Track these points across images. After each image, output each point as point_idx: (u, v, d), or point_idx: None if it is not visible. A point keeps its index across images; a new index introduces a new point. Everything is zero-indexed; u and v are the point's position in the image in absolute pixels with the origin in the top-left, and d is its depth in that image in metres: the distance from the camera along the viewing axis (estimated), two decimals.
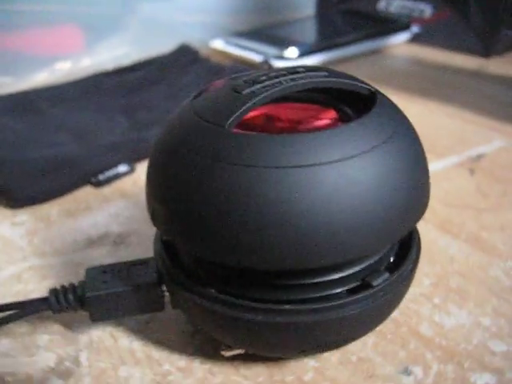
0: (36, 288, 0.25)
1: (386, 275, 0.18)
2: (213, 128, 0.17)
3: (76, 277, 0.25)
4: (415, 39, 0.58)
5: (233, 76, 0.21)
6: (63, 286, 0.21)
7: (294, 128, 0.19)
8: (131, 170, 0.34)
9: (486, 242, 0.27)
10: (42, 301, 0.21)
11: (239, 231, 0.16)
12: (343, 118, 0.19)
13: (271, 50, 0.51)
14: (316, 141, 0.16)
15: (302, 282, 0.18)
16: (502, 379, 0.20)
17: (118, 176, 0.33)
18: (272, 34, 0.55)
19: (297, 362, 0.21)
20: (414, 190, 0.18)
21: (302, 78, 0.19)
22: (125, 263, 0.21)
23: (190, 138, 0.17)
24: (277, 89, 0.18)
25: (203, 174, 0.16)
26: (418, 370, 0.20)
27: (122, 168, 0.33)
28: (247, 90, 0.18)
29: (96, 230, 0.29)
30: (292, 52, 0.50)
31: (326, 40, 0.53)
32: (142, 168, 0.34)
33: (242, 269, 0.17)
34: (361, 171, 0.16)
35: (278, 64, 0.48)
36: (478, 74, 0.50)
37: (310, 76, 0.19)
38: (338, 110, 0.20)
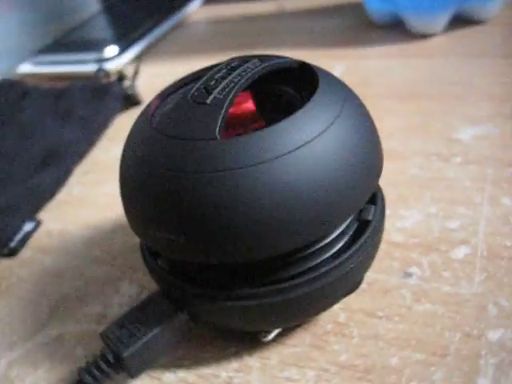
0: None
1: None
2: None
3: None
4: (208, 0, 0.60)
5: (168, 89, 0.21)
6: (90, 362, 0.20)
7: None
8: (39, 223, 0.31)
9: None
10: None
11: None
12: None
13: (89, 56, 0.49)
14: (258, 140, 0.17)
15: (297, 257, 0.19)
16: (473, 245, 0.23)
17: (28, 235, 0.30)
18: (76, 40, 0.53)
19: (325, 314, 0.22)
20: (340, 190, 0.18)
21: (245, 71, 0.19)
22: (135, 309, 0.21)
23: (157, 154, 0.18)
24: (235, 89, 0.18)
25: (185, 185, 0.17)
26: (414, 270, 0.23)
27: (29, 226, 0.30)
28: (210, 98, 0.18)
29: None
30: (111, 51, 0.48)
31: (133, 31, 0.52)
32: (47, 215, 0.32)
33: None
34: (310, 159, 0.17)
35: (111, 67, 0.46)
36: (278, 16, 0.54)
37: (249, 66, 0.20)
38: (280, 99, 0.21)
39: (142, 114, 0.20)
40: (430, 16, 0.38)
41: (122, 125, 0.39)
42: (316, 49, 0.45)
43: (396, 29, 0.43)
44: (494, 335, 0.20)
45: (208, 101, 0.18)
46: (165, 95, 0.21)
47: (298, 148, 0.17)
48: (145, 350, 0.19)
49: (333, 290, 0.19)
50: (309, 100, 0.18)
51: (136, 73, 0.41)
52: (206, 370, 0.21)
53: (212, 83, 0.19)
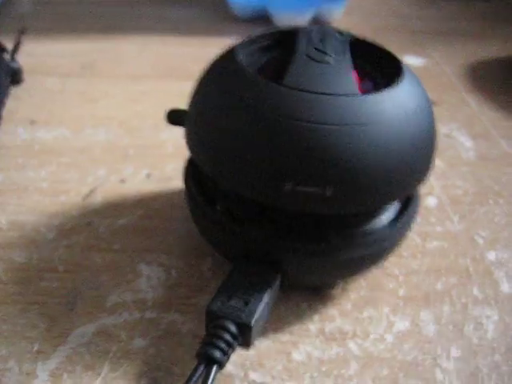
0: None
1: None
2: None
3: None
4: None
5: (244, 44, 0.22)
6: (211, 338, 0.18)
7: None
8: None
9: None
10: (208, 366, 0.18)
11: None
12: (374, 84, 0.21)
13: None
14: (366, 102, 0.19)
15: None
16: (437, 196, 0.29)
17: None
18: None
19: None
20: (429, 156, 0.20)
21: (337, 38, 0.22)
22: (230, 279, 0.20)
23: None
24: (346, 51, 0.21)
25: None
26: None
27: None
28: (331, 59, 0.20)
29: None
30: None
31: None
32: None
33: None
34: (388, 134, 0.18)
35: None
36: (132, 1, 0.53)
37: (336, 35, 0.22)
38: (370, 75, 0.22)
39: (237, 67, 0.20)
40: (296, 12, 0.43)
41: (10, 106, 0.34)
42: (168, 35, 0.46)
43: (257, 23, 0.47)
44: (491, 255, 0.26)
45: (331, 61, 0.20)
46: (241, 47, 0.21)
47: (405, 114, 0.19)
48: (261, 317, 0.19)
49: (395, 244, 0.22)
50: (399, 80, 0.20)
51: (17, 46, 0.35)
52: (294, 327, 0.22)
53: (319, 46, 0.21)
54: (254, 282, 0.20)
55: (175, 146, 0.31)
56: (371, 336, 0.22)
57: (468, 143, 0.35)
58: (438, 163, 0.32)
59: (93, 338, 0.21)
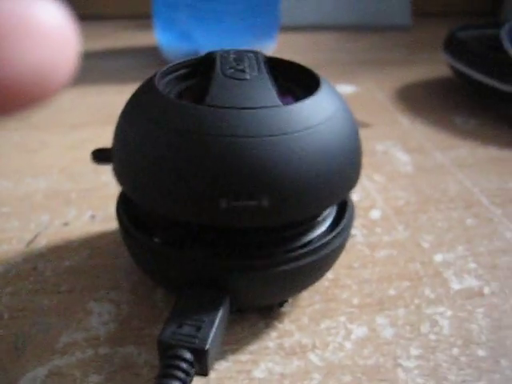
0: None
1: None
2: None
3: None
4: None
5: (163, 72, 0.22)
6: (167, 368, 0.17)
7: None
8: None
9: None
10: None
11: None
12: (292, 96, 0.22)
13: None
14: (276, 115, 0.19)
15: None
16: (380, 208, 0.30)
17: None
18: None
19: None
20: (356, 158, 0.21)
21: (252, 58, 0.22)
22: (178, 307, 0.19)
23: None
24: (262, 68, 0.21)
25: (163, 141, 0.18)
26: (354, 231, 0.28)
27: None
28: (248, 76, 0.20)
29: None
30: None
31: None
32: None
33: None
34: (316, 139, 0.19)
35: None
36: None
37: (251, 55, 0.22)
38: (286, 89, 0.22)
39: (157, 94, 0.20)
40: None
41: None
42: (106, 84, 0.46)
43: None
44: (438, 257, 0.27)
45: (249, 77, 0.20)
46: (160, 77, 0.22)
47: (329, 118, 0.20)
48: (215, 340, 0.19)
49: (337, 254, 0.22)
50: (318, 89, 0.20)
51: None
52: (252, 346, 0.22)
53: (234, 65, 0.21)
54: (202, 307, 0.19)
55: (117, 187, 0.31)
56: (330, 345, 0.22)
57: (404, 157, 0.36)
58: (378, 178, 0.33)
59: (45, 381, 0.20)
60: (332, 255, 0.21)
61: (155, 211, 0.20)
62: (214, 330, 0.18)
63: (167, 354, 0.18)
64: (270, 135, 0.18)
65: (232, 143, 0.18)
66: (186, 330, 0.18)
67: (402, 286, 0.25)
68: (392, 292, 0.24)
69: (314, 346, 0.22)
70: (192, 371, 0.18)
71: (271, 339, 0.22)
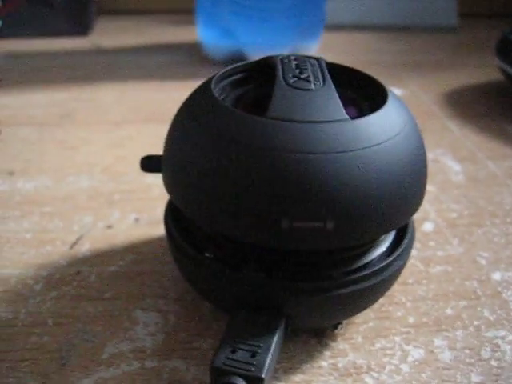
0: None
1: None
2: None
3: None
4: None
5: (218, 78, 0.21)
6: None
7: None
8: None
9: None
10: None
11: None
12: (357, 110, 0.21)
13: None
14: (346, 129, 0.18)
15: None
16: (432, 220, 0.29)
17: None
18: None
19: None
20: (423, 177, 0.20)
21: (315, 65, 0.21)
22: (231, 329, 0.18)
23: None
24: (326, 77, 0.20)
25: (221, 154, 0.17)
26: None
27: None
28: (312, 86, 0.19)
29: None
30: None
31: None
32: None
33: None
34: (385, 157, 0.17)
35: None
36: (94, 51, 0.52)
37: (313, 62, 0.21)
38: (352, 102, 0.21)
39: (215, 102, 0.19)
40: (271, 51, 0.43)
41: None
42: (147, 81, 0.45)
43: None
44: (496, 276, 0.26)
45: (313, 88, 0.19)
46: (217, 82, 0.21)
47: (397, 134, 0.18)
48: (271, 366, 0.18)
49: (396, 277, 0.21)
50: (385, 102, 0.19)
51: None
52: (305, 365, 0.21)
53: (296, 73, 0.20)
54: (257, 330, 0.18)
55: (162, 189, 0.30)
56: (387, 368, 0.21)
57: (456, 167, 0.35)
58: (430, 188, 0.32)
59: None
60: (391, 278, 0.20)
61: (210, 227, 0.19)
62: (270, 356, 0.17)
63: (221, 381, 0.17)
64: (338, 152, 0.17)
65: (297, 160, 0.17)
66: (241, 355, 0.17)
67: (460, 305, 0.24)
68: (449, 311, 0.23)
69: (370, 368, 0.21)
70: None
71: (324, 359, 0.21)
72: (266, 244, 0.17)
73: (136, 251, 0.26)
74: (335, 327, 0.22)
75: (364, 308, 0.21)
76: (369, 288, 0.19)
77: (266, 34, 0.44)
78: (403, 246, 0.21)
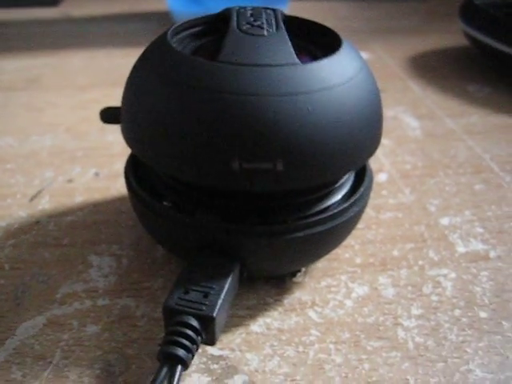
0: None
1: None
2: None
3: None
4: None
5: (176, 28, 0.21)
6: (172, 335, 0.17)
7: None
8: None
9: None
10: (172, 366, 0.17)
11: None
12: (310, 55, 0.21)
13: None
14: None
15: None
16: (387, 171, 0.30)
17: None
18: None
19: None
20: (377, 123, 0.20)
21: (270, 14, 0.21)
22: (186, 272, 0.19)
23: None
24: (280, 24, 0.20)
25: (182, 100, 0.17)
26: None
27: None
28: (265, 32, 0.19)
29: None
30: None
31: None
32: None
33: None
34: (336, 100, 0.18)
35: None
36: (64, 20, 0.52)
37: (269, 12, 0.21)
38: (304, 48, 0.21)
39: (169, 49, 0.19)
40: None
41: None
42: (115, 48, 0.46)
43: None
44: (444, 221, 0.26)
45: (266, 34, 0.19)
46: (173, 34, 0.21)
47: (350, 79, 0.18)
48: (223, 308, 0.18)
49: (353, 223, 0.21)
50: (339, 49, 0.19)
51: None
52: (251, 302, 0.22)
53: (250, 21, 0.20)
54: (211, 274, 0.18)
55: (122, 145, 0.31)
56: (330, 303, 0.22)
57: (414, 123, 0.35)
58: (387, 142, 0.33)
59: (43, 329, 0.20)
60: (348, 224, 0.21)
61: (164, 173, 0.19)
62: (222, 297, 0.17)
63: (173, 321, 0.17)
64: (287, 94, 0.17)
65: (246, 102, 0.17)
66: (193, 296, 0.17)
67: (406, 247, 0.24)
68: (395, 253, 0.24)
69: (314, 303, 0.22)
70: (198, 339, 0.17)
71: (270, 295, 0.22)
72: (219, 187, 0.18)
73: (94, 203, 0.27)
74: (293, 275, 0.23)
75: (320, 255, 0.21)
76: (323, 233, 0.19)
77: (233, 1, 0.44)
78: (359, 192, 0.21)
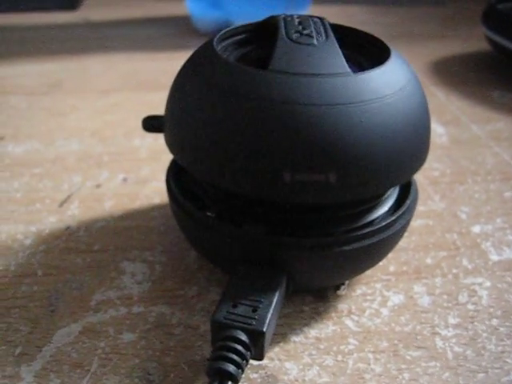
0: None
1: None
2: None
3: None
4: None
5: (221, 36, 0.21)
6: (221, 350, 0.16)
7: None
8: None
9: None
10: (222, 381, 0.16)
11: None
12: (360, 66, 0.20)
13: None
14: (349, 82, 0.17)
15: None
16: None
17: None
18: None
19: None
20: (426, 134, 0.19)
21: (318, 23, 0.20)
22: (233, 284, 0.18)
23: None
24: (329, 33, 0.20)
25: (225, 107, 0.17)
26: None
27: None
28: (315, 41, 0.19)
29: None
30: None
31: None
32: None
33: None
34: (389, 111, 0.17)
35: None
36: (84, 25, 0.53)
37: (316, 20, 0.21)
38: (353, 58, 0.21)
39: (217, 57, 0.18)
40: None
41: None
42: (137, 52, 0.46)
43: None
44: (475, 229, 0.26)
45: (316, 43, 0.19)
46: (218, 42, 0.20)
47: (400, 90, 0.18)
48: (272, 322, 0.17)
49: (400, 236, 0.21)
50: (388, 59, 0.19)
51: None
52: (287, 310, 0.21)
53: (299, 29, 0.20)
54: (259, 287, 0.18)
55: (149, 150, 0.31)
56: (367, 311, 0.21)
57: (440, 129, 0.35)
58: None
59: (79, 337, 0.20)
60: (395, 237, 0.20)
61: (211, 183, 0.19)
62: (271, 311, 0.17)
63: (222, 335, 0.17)
64: (339, 104, 0.17)
65: (298, 112, 0.16)
66: (242, 309, 0.17)
67: (439, 255, 0.24)
68: (429, 261, 0.24)
69: (350, 312, 0.21)
70: (248, 354, 0.17)
71: (306, 304, 0.22)
72: (268, 198, 0.17)
73: (123, 208, 0.27)
74: (338, 288, 0.22)
75: (366, 268, 0.21)
76: (371, 246, 0.19)
77: (254, 5, 0.44)
78: (406, 205, 0.21)
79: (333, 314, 0.21)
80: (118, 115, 0.35)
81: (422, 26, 0.57)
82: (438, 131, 0.35)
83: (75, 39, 0.50)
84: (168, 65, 0.40)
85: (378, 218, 0.20)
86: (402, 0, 0.61)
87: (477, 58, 0.48)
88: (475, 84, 0.42)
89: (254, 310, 0.17)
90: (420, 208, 0.27)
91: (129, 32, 0.52)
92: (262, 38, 0.21)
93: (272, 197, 0.17)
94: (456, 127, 0.36)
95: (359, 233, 0.19)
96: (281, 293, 0.18)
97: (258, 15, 0.44)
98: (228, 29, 0.21)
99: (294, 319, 0.21)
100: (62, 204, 0.27)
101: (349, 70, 0.18)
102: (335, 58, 0.18)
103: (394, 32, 0.54)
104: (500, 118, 0.37)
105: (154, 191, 0.28)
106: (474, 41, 0.50)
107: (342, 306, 0.22)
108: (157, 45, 0.48)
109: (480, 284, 0.23)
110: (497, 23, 0.42)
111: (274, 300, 0.18)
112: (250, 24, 0.22)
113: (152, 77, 0.40)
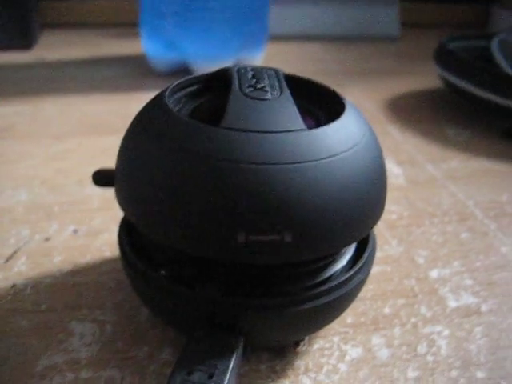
0: None
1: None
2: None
3: None
4: None
5: (173, 88, 0.20)
6: None
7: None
8: None
9: None
10: None
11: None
12: (315, 120, 0.20)
13: None
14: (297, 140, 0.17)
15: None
16: None
17: None
18: None
19: None
20: (383, 188, 0.19)
21: (271, 75, 0.20)
22: (188, 349, 0.17)
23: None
24: (284, 87, 0.19)
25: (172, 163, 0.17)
26: None
27: None
28: (269, 96, 0.19)
29: None
30: None
31: None
32: None
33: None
34: (344, 168, 0.17)
35: None
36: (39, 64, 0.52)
37: (270, 72, 0.21)
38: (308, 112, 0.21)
39: (168, 112, 0.18)
40: (216, 62, 0.43)
41: None
42: (92, 93, 0.45)
43: (178, 76, 0.47)
44: (433, 273, 0.26)
45: (269, 97, 0.18)
46: (171, 94, 0.20)
47: (355, 145, 0.18)
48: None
49: (358, 290, 0.20)
50: (343, 112, 0.19)
51: None
52: (243, 368, 0.21)
53: (253, 83, 0.19)
54: (215, 351, 0.17)
55: (101, 200, 0.30)
56: (324, 368, 0.21)
57: (396, 170, 0.35)
58: None
59: None
60: (355, 291, 0.20)
61: (164, 242, 0.18)
62: (227, 376, 0.16)
63: None
64: (294, 162, 0.16)
65: (252, 171, 0.16)
66: (198, 377, 0.16)
67: (398, 303, 0.24)
68: (387, 310, 0.24)
69: (307, 369, 0.21)
70: None
71: (262, 361, 0.21)
72: (222, 258, 0.17)
73: (73, 263, 0.26)
74: (297, 344, 0.22)
75: (325, 324, 0.20)
76: (329, 303, 0.19)
77: (210, 46, 0.44)
78: (364, 258, 0.20)
79: (289, 372, 0.21)
80: (71, 162, 0.34)
81: (377, 62, 0.58)
82: (395, 171, 0.35)
83: (29, 80, 0.49)
84: (123, 107, 0.40)
85: (335, 273, 0.20)
86: (356, 36, 0.63)
87: (431, 95, 0.49)
88: (430, 122, 0.43)
89: (210, 377, 0.16)
90: (377, 254, 0.27)
91: (84, 72, 0.51)
92: (215, 89, 0.21)
93: (226, 258, 0.17)
94: (412, 167, 0.36)
95: (316, 291, 0.18)
96: (238, 355, 0.17)
97: (213, 55, 0.45)
98: (181, 80, 0.21)
99: (251, 379, 0.20)
100: (7, 260, 0.26)
101: (303, 126, 0.17)
102: (289, 114, 0.18)
103: (350, 69, 0.55)
104: (454, 156, 0.37)
105: (105, 243, 0.27)
106: (428, 77, 0.52)
107: (299, 362, 0.21)
108: (113, 86, 0.47)
109: (439, 333, 0.23)
110: (448, 62, 0.43)
111: (231, 364, 0.17)
112: (203, 75, 0.21)
113: (107, 119, 0.39)
